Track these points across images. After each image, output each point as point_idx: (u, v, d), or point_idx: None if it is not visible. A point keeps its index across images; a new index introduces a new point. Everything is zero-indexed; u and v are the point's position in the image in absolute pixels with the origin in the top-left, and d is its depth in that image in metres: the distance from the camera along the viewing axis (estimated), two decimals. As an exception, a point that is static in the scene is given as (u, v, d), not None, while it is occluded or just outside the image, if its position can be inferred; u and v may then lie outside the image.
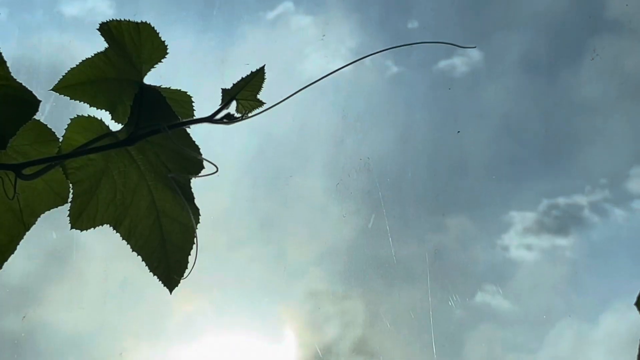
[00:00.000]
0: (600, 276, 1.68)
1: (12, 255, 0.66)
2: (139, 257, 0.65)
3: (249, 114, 0.65)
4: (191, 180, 0.67)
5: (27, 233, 0.66)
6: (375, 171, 1.54)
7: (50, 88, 0.66)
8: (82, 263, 1.70)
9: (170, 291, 0.64)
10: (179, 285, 0.65)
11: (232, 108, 0.65)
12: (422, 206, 1.62)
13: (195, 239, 0.65)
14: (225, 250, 1.68)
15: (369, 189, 1.55)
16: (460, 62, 1.68)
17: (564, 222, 1.68)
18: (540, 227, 1.67)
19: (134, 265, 0.67)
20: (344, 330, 1.63)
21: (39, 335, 1.65)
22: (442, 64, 1.68)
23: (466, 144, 1.65)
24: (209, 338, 1.81)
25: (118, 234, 0.67)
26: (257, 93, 0.65)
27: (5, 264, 0.66)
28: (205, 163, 0.65)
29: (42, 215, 0.67)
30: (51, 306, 1.68)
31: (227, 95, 0.65)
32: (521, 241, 1.68)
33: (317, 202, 1.65)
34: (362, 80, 1.66)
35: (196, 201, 0.67)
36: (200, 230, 0.67)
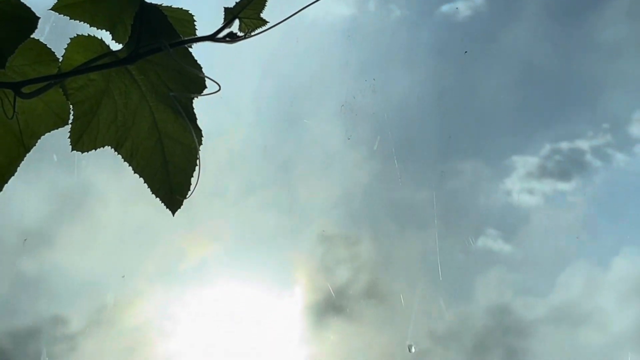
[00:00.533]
0: (604, 220, 1.66)
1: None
2: (141, 178, 0.64)
3: (252, 33, 0.63)
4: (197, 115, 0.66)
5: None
6: (379, 93, 1.52)
7: (50, 8, 0.64)
8: (98, 207, 1.70)
9: (173, 213, 0.63)
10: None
11: (235, 27, 0.64)
12: (430, 147, 1.60)
13: (197, 160, 0.64)
14: (237, 194, 1.68)
15: (374, 111, 1.53)
16: (464, 7, 1.64)
17: (566, 166, 1.66)
18: (543, 172, 1.66)
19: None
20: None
21: (54, 278, 1.66)
22: (445, 7, 1.64)
23: (471, 84, 1.62)
24: (222, 282, 1.82)
25: (123, 160, 0.66)
26: (260, 11, 0.63)
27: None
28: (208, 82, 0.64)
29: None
30: (66, 249, 1.69)
31: (230, 14, 0.63)
32: (523, 185, 1.66)
33: (320, 125, 1.64)
34: (367, 22, 1.63)
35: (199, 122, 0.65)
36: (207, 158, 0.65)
